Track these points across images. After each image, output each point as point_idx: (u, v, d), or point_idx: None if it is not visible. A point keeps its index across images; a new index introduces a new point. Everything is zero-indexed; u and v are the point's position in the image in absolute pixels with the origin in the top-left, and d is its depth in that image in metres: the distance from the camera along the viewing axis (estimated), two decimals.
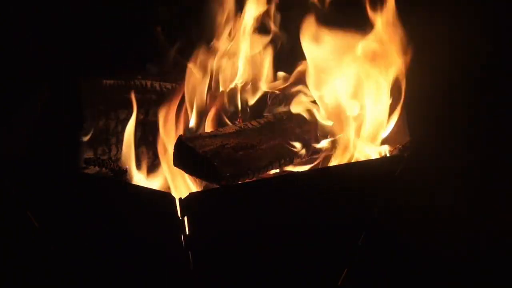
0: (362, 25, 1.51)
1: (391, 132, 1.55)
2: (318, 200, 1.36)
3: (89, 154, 1.73)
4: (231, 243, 1.34)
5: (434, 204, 1.75)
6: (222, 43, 1.66)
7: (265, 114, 1.68)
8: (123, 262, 1.42)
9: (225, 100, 1.67)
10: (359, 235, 1.48)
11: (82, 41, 1.87)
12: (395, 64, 1.50)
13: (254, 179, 1.43)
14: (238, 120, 1.68)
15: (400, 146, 1.53)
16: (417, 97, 1.60)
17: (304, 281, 1.46)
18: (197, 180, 1.48)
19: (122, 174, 1.62)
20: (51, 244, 1.50)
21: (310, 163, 1.57)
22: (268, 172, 1.50)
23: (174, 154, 1.45)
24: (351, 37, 1.52)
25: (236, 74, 1.68)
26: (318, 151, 1.56)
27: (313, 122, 1.59)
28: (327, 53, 1.54)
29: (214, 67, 1.66)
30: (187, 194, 1.24)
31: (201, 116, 1.63)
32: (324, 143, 1.56)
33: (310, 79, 1.57)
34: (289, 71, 1.68)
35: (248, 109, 1.70)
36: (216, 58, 1.66)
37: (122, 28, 1.89)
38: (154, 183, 1.59)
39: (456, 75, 1.80)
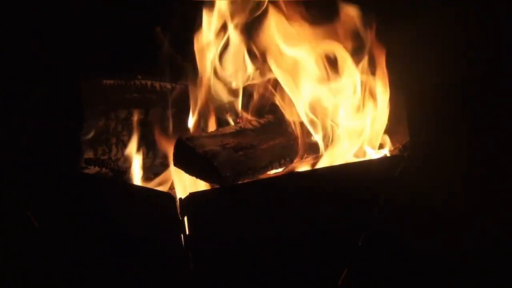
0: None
1: (391, 132, 1.56)
2: (318, 200, 1.36)
3: (89, 154, 1.73)
4: (231, 243, 1.34)
5: (434, 204, 1.75)
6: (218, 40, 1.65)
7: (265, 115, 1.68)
8: (123, 262, 1.42)
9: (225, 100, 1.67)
10: (359, 235, 1.48)
11: (82, 41, 1.87)
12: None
13: (254, 179, 1.43)
14: (238, 120, 1.68)
15: (400, 146, 1.53)
16: (417, 97, 1.60)
17: (304, 281, 1.46)
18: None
19: (122, 174, 1.62)
20: (51, 244, 1.50)
21: (310, 163, 1.57)
22: (268, 172, 1.50)
23: (174, 154, 1.45)
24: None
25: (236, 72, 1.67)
26: (317, 152, 1.56)
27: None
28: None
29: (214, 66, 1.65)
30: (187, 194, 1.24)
31: (202, 116, 1.63)
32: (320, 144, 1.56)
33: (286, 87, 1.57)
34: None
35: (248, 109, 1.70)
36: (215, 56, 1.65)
37: (122, 28, 1.89)
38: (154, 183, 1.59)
39: (456, 75, 1.79)
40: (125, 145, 1.75)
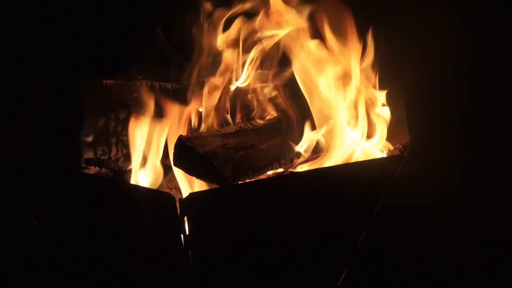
0: None
1: (391, 132, 1.56)
2: (318, 200, 1.36)
3: (89, 154, 1.73)
4: (231, 243, 1.34)
5: (434, 204, 1.75)
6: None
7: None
8: (123, 262, 1.42)
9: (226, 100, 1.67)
10: (359, 235, 1.48)
11: (82, 41, 1.87)
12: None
13: (254, 179, 1.43)
14: (238, 120, 1.68)
15: (400, 146, 1.53)
16: (418, 97, 1.60)
17: (304, 281, 1.46)
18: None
19: (122, 174, 1.62)
20: (51, 244, 1.50)
21: (310, 163, 1.57)
22: (268, 172, 1.50)
23: (174, 154, 1.45)
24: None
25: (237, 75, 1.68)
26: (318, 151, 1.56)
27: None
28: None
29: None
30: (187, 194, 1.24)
31: (201, 116, 1.63)
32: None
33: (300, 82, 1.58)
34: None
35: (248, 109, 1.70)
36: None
37: (122, 28, 1.89)
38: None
39: (456, 75, 1.79)
40: (125, 145, 1.75)
